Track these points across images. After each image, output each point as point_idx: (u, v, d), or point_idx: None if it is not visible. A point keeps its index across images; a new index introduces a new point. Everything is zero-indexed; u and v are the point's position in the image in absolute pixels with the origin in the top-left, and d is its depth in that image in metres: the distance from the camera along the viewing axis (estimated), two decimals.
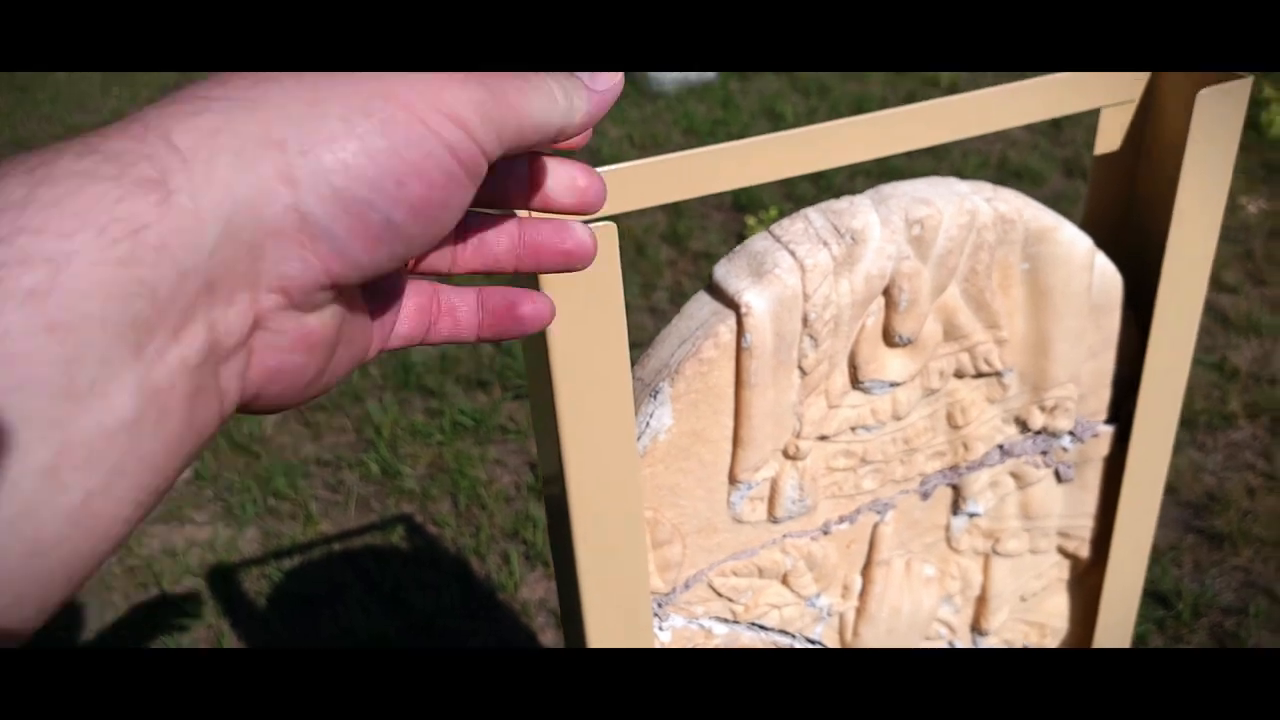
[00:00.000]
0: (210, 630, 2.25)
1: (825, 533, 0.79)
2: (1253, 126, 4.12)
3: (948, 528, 0.84)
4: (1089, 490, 0.86)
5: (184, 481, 2.74)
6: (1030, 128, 4.40)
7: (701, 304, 0.68)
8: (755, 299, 0.65)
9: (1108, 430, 0.83)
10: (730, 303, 0.66)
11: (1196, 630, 2.01)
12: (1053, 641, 0.95)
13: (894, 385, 0.73)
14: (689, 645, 0.79)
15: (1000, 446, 0.82)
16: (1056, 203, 3.52)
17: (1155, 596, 2.09)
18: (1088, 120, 4.37)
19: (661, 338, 0.69)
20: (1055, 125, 4.36)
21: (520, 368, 3.03)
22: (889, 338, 0.71)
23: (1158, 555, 2.18)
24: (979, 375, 0.76)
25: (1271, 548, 2.17)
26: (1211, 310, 3.00)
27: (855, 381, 0.72)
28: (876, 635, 0.85)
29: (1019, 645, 0.93)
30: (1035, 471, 0.83)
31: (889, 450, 0.77)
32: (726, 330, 0.66)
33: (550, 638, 2.16)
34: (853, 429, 0.74)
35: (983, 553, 0.87)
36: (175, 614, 2.29)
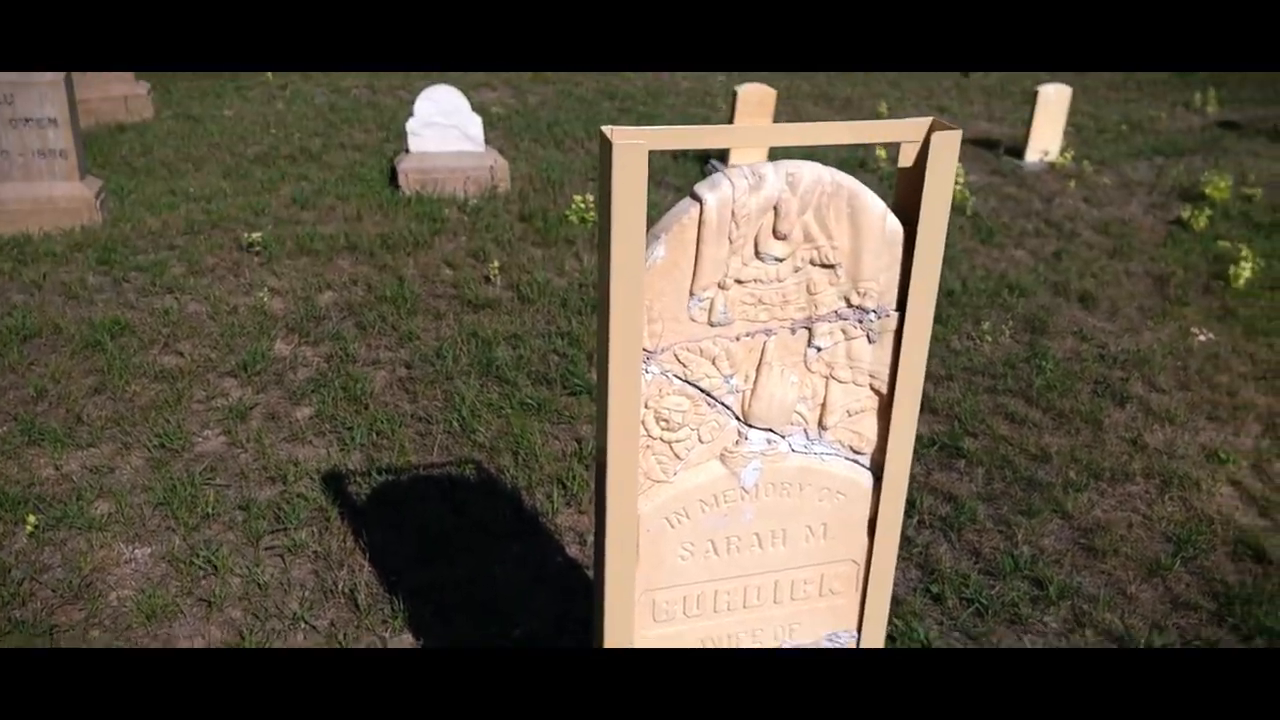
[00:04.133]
0: (319, 512, 2.98)
1: (737, 339, 1.52)
2: (1220, 277, 4.81)
3: (805, 355, 1.57)
4: (886, 350, 1.58)
5: (306, 417, 3.52)
6: (1035, 255, 5.14)
7: (685, 200, 1.45)
8: (709, 196, 1.41)
9: (896, 314, 1.56)
10: (697, 198, 1.42)
11: (1060, 607, 2.62)
12: (867, 447, 1.65)
13: (778, 260, 1.48)
14: (658, 393, 1.52)
15: (836, 311, 1.55)
16: (1040, 312, 4.20)
17: (1035, 581, 2.71)
18: (1084, 256, 5.10)
19: (666, 214, 1.45)
20: (1056, 256, 5.10)
21: (579, 371, 3.79)
22: (776, 233, 1.46)
23: (1044, 557, 2.81)
24: (824, 265, 1.50)
25: (1135, 562, 2.79)
26: (1140, 402, 3.65)
27: (757, 253, 1.47)
28: (761, 409, 1.57)
29: (847, 445, 1.64)
30: (855, 330, 1.56)
31: (774, 298, 1.51)
32: (695, 211, 1.42)
33: (574, 552, 2.85)
34: (755, 280, 1.49)
35: (825, 376, 1.59)
36: (296, 500, 3.02)
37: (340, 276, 4.68)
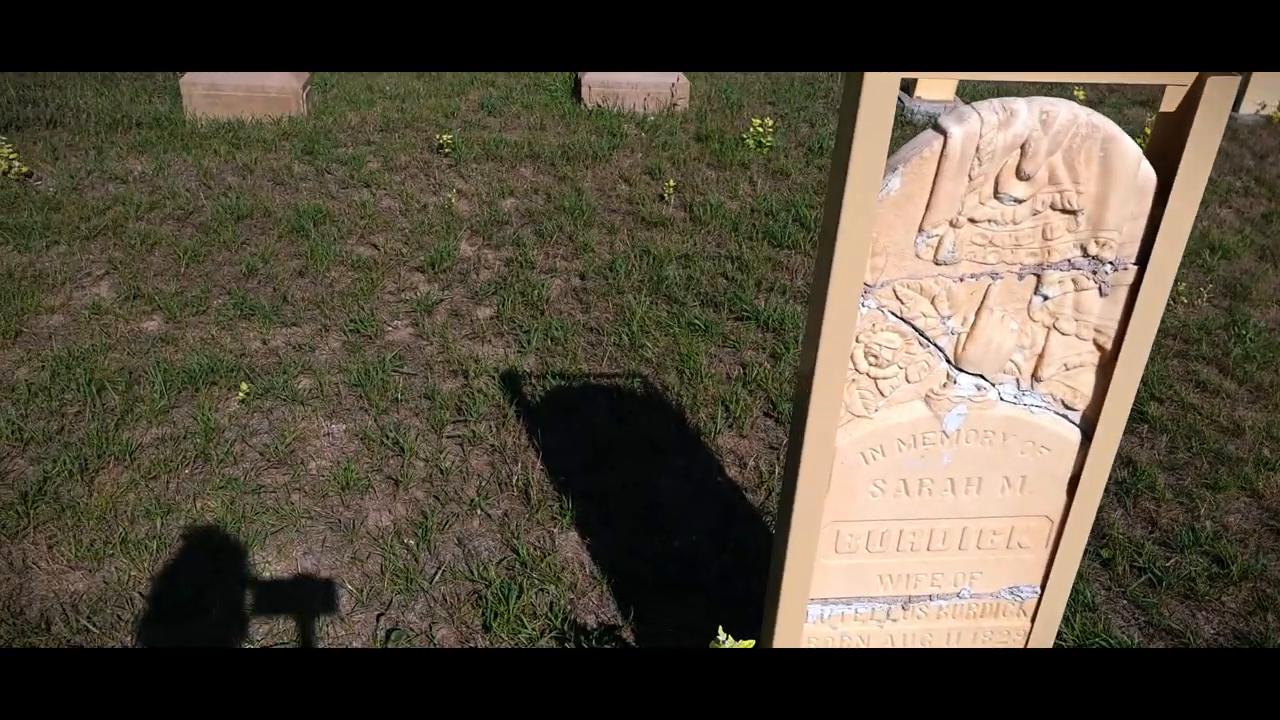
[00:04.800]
0: (497, 409, 3.12)
1: (961, 280, 1.49)
2: None
3: (1029, 302, 1.52)
4: (1118, 305, 1.52)
5: (487, 317, 3.66)
6: (1241, 215, 4.78)
7: (927, 132, 1.41)
8: (955, 130, 1.37)
9: (1135, 268, 1.49)
10: (941, 131, 1.38)
11: (1241, 588, 2.51)
12: (1080, 403, 1.60)
13: (1017, 201, 1.43)
14: (871, 328, 1.51)
15: (1069, 260, 1.49)
16: (1243, 277, 3.95)
17: (1215, 559, 2.60)
18: None
19: (905, 146, 1.43)
20: (1265, 218, 4.73)
21: (746, 297, 3.79)
22: (1019, 173, 1.41)
23: (1228, 534, 2.68)
24: (1065, 211, 1.45)
25: None
26: None
27: (996, 192, 1.43)
28: (976, 354, 1.54)
29: (1059, 398, 1.60)
30: (1087, 282, 1.50)
31: (1006, 241, 1.47)
32: (937, 145, 1.38)
33: (733, 473, 2.89)
34: (989, 221, 1.45)
35: (1046, 326, 1.54)
36: (476, 395, 3.17)
37: (522, 184, 4.79)
